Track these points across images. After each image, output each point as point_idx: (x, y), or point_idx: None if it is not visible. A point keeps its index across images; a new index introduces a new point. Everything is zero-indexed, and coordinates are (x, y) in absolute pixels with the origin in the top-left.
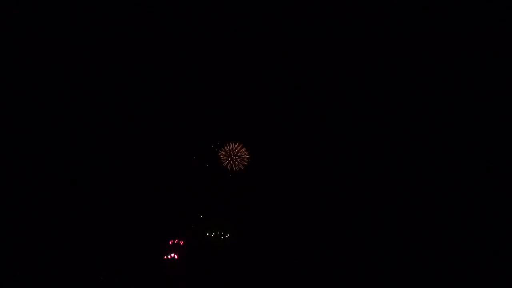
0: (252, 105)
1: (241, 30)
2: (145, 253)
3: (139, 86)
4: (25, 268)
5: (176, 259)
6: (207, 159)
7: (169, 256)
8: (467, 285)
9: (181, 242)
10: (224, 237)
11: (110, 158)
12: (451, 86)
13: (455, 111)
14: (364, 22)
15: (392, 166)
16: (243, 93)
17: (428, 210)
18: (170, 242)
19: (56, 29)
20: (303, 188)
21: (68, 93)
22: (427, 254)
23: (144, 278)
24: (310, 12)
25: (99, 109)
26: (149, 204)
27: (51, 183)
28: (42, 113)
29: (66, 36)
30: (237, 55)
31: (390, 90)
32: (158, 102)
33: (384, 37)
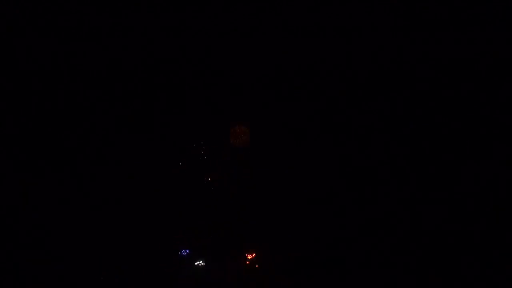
0: (251, 106)
1: (239, 31)
2: (147, 254)
3: (138, 87)
4: (25, 268)
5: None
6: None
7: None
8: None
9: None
10: (223, 237)
11: (111, 158)
12: (451, 86)
13: (454, 112)
14: (364, 22)
15: (392, 167)
16: (242, 93)
17: (429, 211)
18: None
19: (56, 29)
20: (302, 188)
21: (68, 93)
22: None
23: (145, 278)
24: (310, 12)
25: (99, 109)
26: (149, 205)
27: (52, 183)
28: (42, 113)
29: (66, 36)
30: (236, 55)
31: (390, 90)
32: (158, 102)
33: (384, 37)
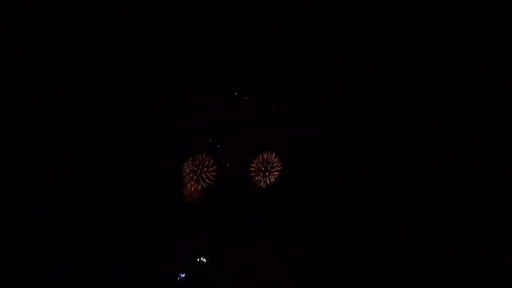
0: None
1: (241, 30)
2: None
3: (138, 87)
4: (25, 268)
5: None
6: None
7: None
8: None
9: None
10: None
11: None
12: (451, 86)
13: (454, 112)
14: (364, 22)
15: (392, 167)
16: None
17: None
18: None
19: (56, 29)
20: (303, 189)
21: (68, 93)
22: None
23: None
24: (310, 12)
25: (98, 110)
26: (149, 205)
27: (54, 184)
28: (42, 113)
29: (66, 36)
30: (236, 56)
31: (390, 90)
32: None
33: (384, 37)
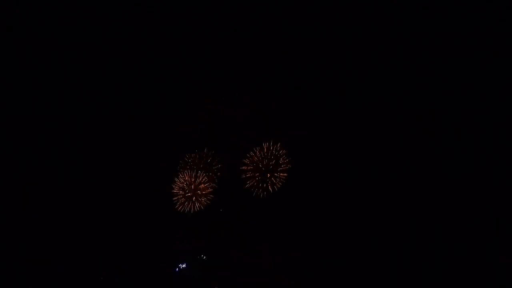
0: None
1: (240, 31)
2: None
3: (138, 87)
4: (25, 268)
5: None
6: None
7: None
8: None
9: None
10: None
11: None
12: (451, 86)
13: (454, 111)
14: (364, 22)
15: (392, 167)
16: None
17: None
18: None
19: (56, 29)
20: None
21: (68, 93)
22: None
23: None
24: (310, 12)
25: (98, 110)
26: (149, 205)
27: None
28: (41, 113)
29: (66, 36)
30: (236, 57)
31: (390, 90)
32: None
33: (384, 37)
